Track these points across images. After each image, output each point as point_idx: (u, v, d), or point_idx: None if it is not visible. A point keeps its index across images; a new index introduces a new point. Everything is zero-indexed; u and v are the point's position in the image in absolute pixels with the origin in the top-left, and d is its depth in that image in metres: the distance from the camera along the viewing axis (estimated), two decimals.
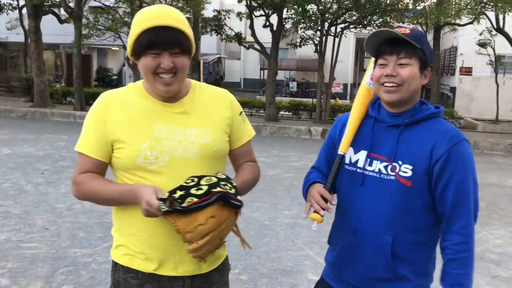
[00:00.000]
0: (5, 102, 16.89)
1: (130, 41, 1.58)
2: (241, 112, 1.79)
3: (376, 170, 1.67)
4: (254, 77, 30.79)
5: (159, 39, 1.52)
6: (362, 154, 1.72)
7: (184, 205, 1.43)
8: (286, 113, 16.03)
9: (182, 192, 1.47)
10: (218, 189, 1.48)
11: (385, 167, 1.65)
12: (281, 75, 23.62)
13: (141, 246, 1.64)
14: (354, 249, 1.72)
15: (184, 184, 1.53)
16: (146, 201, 1.47)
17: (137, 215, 1.58)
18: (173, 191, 1.49)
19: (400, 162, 1.63)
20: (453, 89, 23.01)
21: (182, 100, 1.66)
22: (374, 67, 1.71)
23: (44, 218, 5.13)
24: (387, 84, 1.63)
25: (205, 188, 1.48)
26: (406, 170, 1.62)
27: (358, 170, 1.71)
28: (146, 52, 1.54)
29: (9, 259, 4.03)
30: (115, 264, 1.71)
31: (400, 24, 13.66)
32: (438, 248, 1.71)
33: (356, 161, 1.73)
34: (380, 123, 1.72)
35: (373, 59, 1.75)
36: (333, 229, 1.85)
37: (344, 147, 1.75)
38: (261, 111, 15.78)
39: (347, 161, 1.75)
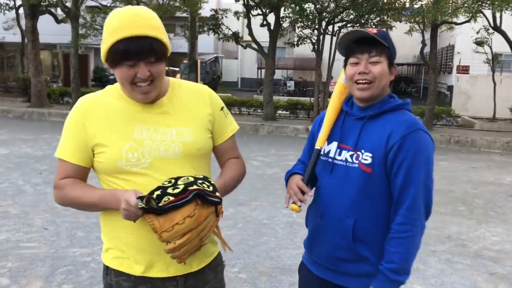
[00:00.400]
0: (2, 102, 16.86)
1: (104, 48, 1.54)
2: (222, 107, 1.79)
3: (343, 159, 1.80)
4: (251, 76, 30.79)
5: (133, 49, 1.48)
6: (334, 145, 1.85)
7: (160, 204, 1.43)
8: (284, 112, 16.04)
9: (159, 192, 1.47)
10: (195, 187, 1.47)
11: (351, 156, 1.78)
12: (278, 74, 23.66)
13: (129, 249, 1.63)
14: (321, 231, 1.86)
15: (162, 185, 1.52)
16: (125, 199, 1.46)
17: (118, 218, 1.57)
18: (152, 192, 1.48)
19: (362, 151, 1.75)
20: (450, 88, 23.07)
21: (161, 100, 1.65)
22: (345, 66, 1.82)
23: (43, 218, 5.13)
24: (360, 81, 1.75)
25: (181, 187, 1.47)
26: (366, 157, 1.74)
27: (329, 160, 1.85)
28: (121, 63, 1.51)
29: (9, 258, 4.04)
30: (106, 268, 1.70)
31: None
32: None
33: (329, 152, 1.86)
34: (350, 116, 1.85)
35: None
36: (307, 213, 2.00)
37: (320, 142, 1.88)
38: (258, 110, 15.79)
39: (322, 151, 1.89)
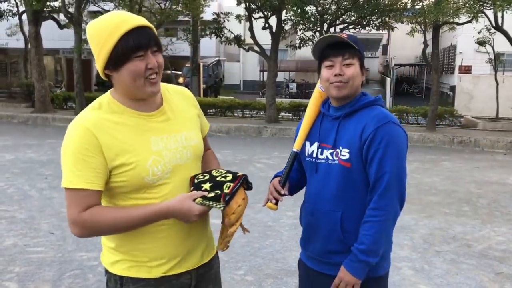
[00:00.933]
0: (6, 108, 16.95)
1: (105, 51, 1.49)
2: (199, 107, 1.89)
3: (325, 158, 1.92)
4: (253, 79, 30.87)
5: (143, 40, 1.49)
6: (315, 146, 1.97)
7: (227, 191, 1.59)
8: (287, 114, 16.05)
9: (210, 184, 1.62)
10: (240, 173, 1.69)
11: (331, 154, 1.90)
12: (280, 76, 23.68)
13: (148, 255, 1.64)
14: (313, 227, 1.98)
15: (200, 179, 1.66)
16: (198, 214, 1.55)
17: (141, 231, 1.60)
18: (198, 186, 1.62)
19: (340, 147, 1.87)
20: (452, 88, 23.05)
21: (162, 107, 1.67)
22: (319, 69, 1.94)
23: (50, 222, 5.17)
24: (337, 82, 1.87)
25: (229, 175, 1.68)
26: (345, 153, 1.86)
27: (314, 160, 1.97)
28: (131, 57, 1.49)
29: (17, 263, 4.07)
30: (120, 277, 1.65)
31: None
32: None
33: (312, 152, 1.98)
34: (328, 117, 1.98)
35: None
36: (300, 213, 2.14)
37: (297, 145, 2.02)
38: (261, 113, 15.81)
39: (306, 153, 2.01)
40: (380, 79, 35.26)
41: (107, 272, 1.71)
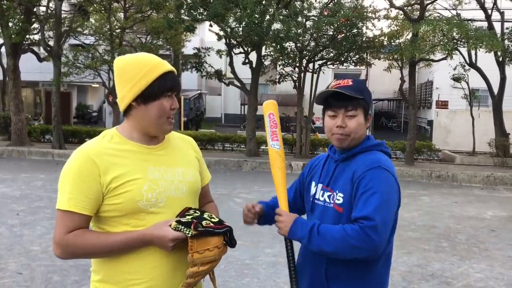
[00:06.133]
0: None
1: (141, 85, 1.63)
2: (201, 155, 1.96)
3: (322, 199, 1.92)
4: (235, 112, 30.98)
5: (176, 82, 1.70)
6: (319, 187, 1.96)
7: (203, 223, 1.58)
8: (267, 147, 16.04)
9: (190, 217, 1.61)
10: (226, 223, 1.65)
11: (329, 197, 1.89)
12: (261, 110, 23.80)
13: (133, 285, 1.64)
14: (301, 267, 1.95)
15: (190, 213, 1.65)
16: (172, 239, 1.56)
17: (133, 260, 1.63)
18: (183, 216, 1.62)
19: (337, 191, 1.86)
20: (430, 122, 23.46)
21: (162, 143, 1.77)
22: (323, 117, 1.96)
23: (18, 261, 4.96)
24: (338, 134, 1.87)
25: (217, 219, 1.67)
26: (339, 198, 1.85)
27: (312, 200, 1.98)
28: (164, 94, 1.65)
29: None
30: None
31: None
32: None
33: (315, 193, 1.98)
34: (331, 159, 1.99)
35: (265, 114, 2.11)
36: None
37: (282, 205, 1.94)
38: (242, 146, 15.80)
39: (311, 193, 2.00)
40: None
41: None
